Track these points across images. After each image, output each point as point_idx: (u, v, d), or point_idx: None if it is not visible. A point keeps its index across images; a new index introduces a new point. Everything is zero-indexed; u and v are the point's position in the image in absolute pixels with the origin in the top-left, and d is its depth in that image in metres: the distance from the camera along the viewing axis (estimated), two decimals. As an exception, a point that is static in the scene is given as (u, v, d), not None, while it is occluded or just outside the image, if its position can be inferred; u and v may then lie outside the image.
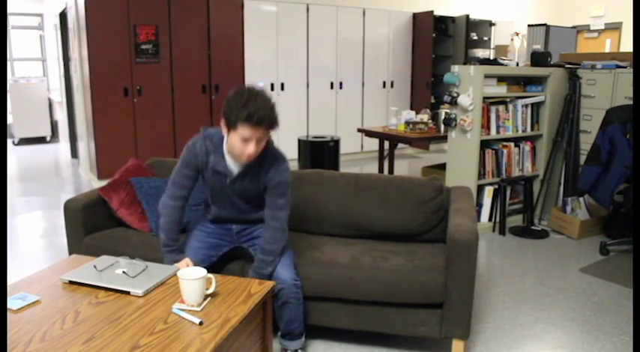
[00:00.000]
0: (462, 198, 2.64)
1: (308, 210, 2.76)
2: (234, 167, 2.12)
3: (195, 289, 1.71)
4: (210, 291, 1.78)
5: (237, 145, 1.96)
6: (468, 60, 7.53)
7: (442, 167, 5.07)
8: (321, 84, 6.90)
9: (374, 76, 7.36)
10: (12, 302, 1.73)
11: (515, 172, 4.24)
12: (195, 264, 2.17)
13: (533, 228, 4.18)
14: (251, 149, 1.95)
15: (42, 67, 9.30)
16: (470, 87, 3.86)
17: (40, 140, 8.80)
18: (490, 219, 4.20)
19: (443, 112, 4.76)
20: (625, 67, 4.10)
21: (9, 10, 8.62)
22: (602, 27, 9.01)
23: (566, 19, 9.52)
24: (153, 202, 2.72)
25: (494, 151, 4.09)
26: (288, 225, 2.86)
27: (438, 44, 7.73)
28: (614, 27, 8.85)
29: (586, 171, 3.68)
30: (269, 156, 2.13)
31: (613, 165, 3.49)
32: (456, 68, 3.96)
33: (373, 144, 7.32)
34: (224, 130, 2.02)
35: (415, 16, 7.56)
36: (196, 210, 2.76)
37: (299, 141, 4.87)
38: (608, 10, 8.94)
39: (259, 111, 1.89)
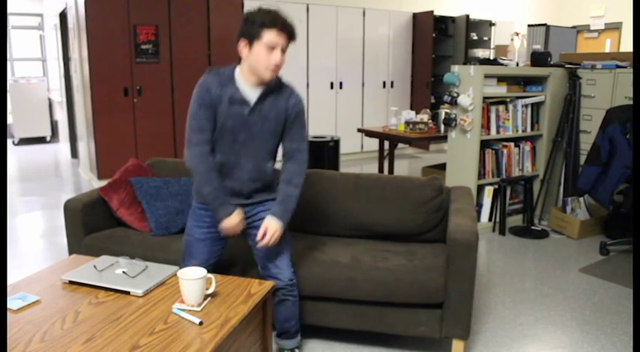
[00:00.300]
0: (462, 198, 2.64)
1: (308, 210, 2.76)
2: (251, 94, 1.97)
3: (195, 289, 1.71)
4: (210, 291, 1.78)
5: (263, 56, 1.88)
6: (468, 60, 7.53)
7: (442, 167, 5.07)
8: (321, 84, 6.90)
9: (374, 76, 7.36)
10: (12, 302, 1.73)
11: (515, 172, 4.24)
12: (207, 267, 2.12)
13: (533, 228, 4.18)
14: (277, 57, 1.88)
15: (42, 67, 9.30)
16: (470, 87, 3.86)
17: (40, 140, 8.80)
18: (490, 219, 4.20)
19: (443, 112, 4.76)
20: (625, 67, 4.10)
21: (9, 10, 8.62)
22: (602, 27, 9.01)
23: (566, 19, 9.52)
24: (153, 202, 2.73)
25: (494, 151, 4.09)
26: (290, 225, 2.87)
27: (438, 44, 7.73)
28: (614, 27, 8.85)
29: (586, 171, 3.68)
30: (284, 84, 2.04)
31: (613, 165, 3.49)
32: (456, 68, 3.96)
33: (373, 144, 7.32)
34: (244, 51, 1.91)
35: (415, 16, 7.56)
36: (196, 210, 2.76)
37: (299, 141, 4.86)
38: (608, 10, 8.94)
39: (282, 17, 1.92)
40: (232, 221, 2.02)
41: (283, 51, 1.92)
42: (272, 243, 2.05)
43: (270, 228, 2.04)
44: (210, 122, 1.96)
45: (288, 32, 1.92)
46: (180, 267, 2.02)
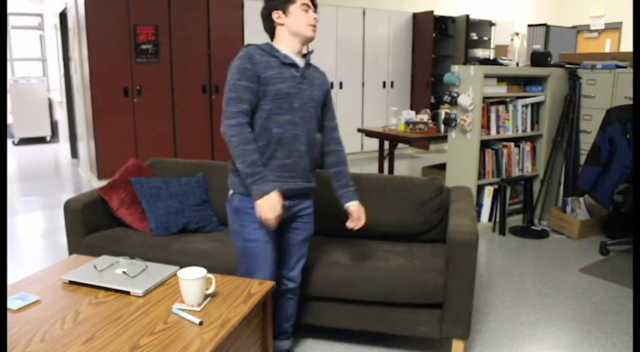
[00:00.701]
0: (462, 198, 2.64)
1: (308, 210, 2.76)
2: (297, 60, 1.95)
3: (195, 289, 1.71)
4: (210, 291, 1.78)
5: (302, 16, 1.91)
6: (468, 60, 7.52)
7: (442, 167, 5.07)
8: (321, 84, 6.89)
9: (374, 76, 7.36)
10: (12, 302, 1.73)
11: (515, 172, 4.24)
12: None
13: (533, 228, 4.18)
14: (314, 15, 1.93)
15: (42, 67, 9.31)
16: (470, 87, 3.85)
17: (40, 140, 8.80)
18: (490, 219, 4.20)
19: (443, 112, 4.76)
20: (625, 67, 4.10)
21: (9, 10, 8.62)
22: (602, 27, 9.01)
23: (566, 19, 9.52)
24: (153, 202, 2.73)
25: (494, 151, 4.09)
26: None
27: (438, 44, 7.73)
28: (614, 27, 8.85)
29: (586, 171, 3.68)
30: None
31: (613, 165, 3.49)
32: (456, 68, 3.96)
33: (373, 144, 7.31)
34: (280, 20, 1.93)
35: (415, 16, 7.56)
36: (196, 210, 2.76)
37: (299, 141, 4.87)
38: (608, 10, 8.94)
39: None
40: (272, 200, 1.84)
41: (316, 9, 1.96)
42: (362, 224, 2.09)
43: (361, 211, 2.10)
44: (250, 93, 1.85)
45: None
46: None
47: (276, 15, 1.94)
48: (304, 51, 2.00)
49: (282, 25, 1.94)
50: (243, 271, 2.02)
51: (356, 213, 2.08)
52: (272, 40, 2.00)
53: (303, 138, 1.95)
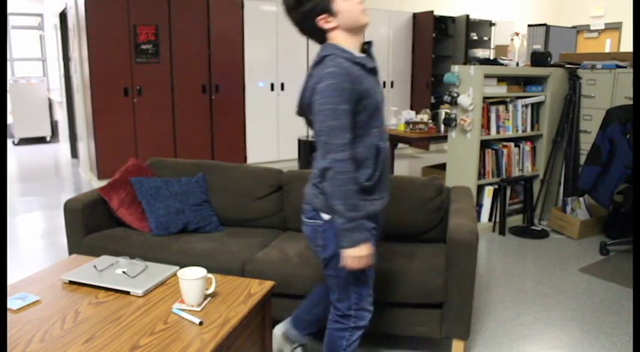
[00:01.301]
0: (462, 198, 2.64)
1: (308, 210, 2.76)
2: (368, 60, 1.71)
3: (195, 289, 1.71)
4: (210, 291, 1.78)
5: (357, 8, 1.63)
6: (468, 60, 7.52)
7: (442, 167, 5.07)
8: (321, 84, 6.89)
9: (374, 76, 7.35)
10: (12, 302, 1.73)
11: (515, 172, 4.24)
12: None
13: (533, 228, 4.18)
14: (362, 3, 1.66)
15: (42, 67, 9.31)
16: (470, 87, 3.85)
17: (40, 140, 8.80)
18: (490, 219, 4.20)
19: (443, 112, 4.76)
20: (625, 67, 4.10)
21: (9, 10, 8.62)
22: (602, 27, 9.01)
23: (566, 19, 9.52)
24: (153, 202, 2.73)
25: (494, 151, 4.09)
26: (290, 225, 2.87)
27: (438, 44, 7.73)
28: (614, 27, 8.85)
29: (586, 171, 3.68)
30: None
31: (613, 165, 3.49)
32: (456, 68, 3.96)
33: (373, 144, 7.31)
34: (330, 21, 1.64)
35: (415, 16, 7.55)
36: (196, 210, 2.76)
37: (299, 141, 4.87)
38: (608, 10, 8.94)
39: None
40: (365, 251, 1.62)
41: None
42: None
43: None
44: (350, 118, 1.60)
45: None
46: (363, 308, 1.76)
47: (323, 21, 1.65)
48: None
49: (335, 28, 1.67)
50: (354, 299, 1.78)
51: None
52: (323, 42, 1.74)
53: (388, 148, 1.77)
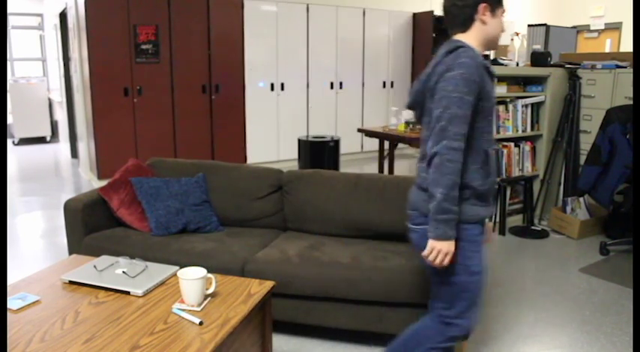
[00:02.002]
0: (462, 198, 2.63)
1: (308, 210, 2.76)
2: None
3: (195, 289, 1.71)
4: (210, 291, 1.78)
5: (502, 26, 1.67)
6: (468, 60, 7.51)
7: (442, 167, 5.06)
8: (321, 84, 6.90)
9: (374, 76, 7.36)
10: (12, 302, 1.73)
11: (515, 172, 4.24)
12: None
13: (533, 228, 4.18)
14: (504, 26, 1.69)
15: (42, 67, 9.31)
16: (470, 87, 3.85)
17: (40, 140, 8.80)
18: (490, 219, 4.20)
19: (443, 112, 4.75)
20: (625, 67, 4.10)
21: (9, 10, 8.62)
22: (602, 27, 9.01)
23: (566, 19, 9.52)
24: (153, 202, 2.73)
25: (493, 151, 4.09)
26: (290, 225, 2.88)
27: (438, 44, 7.71)
28: (614, 27, 8.85)
29: (586, 171, 3.68)
30: None
31: (613, 165, 3.49)
32: (456, 68, 3.95)
33: (373, 144, 7.31)
34: (484, 17, 1.65)
35: (415, 16, 7.56)
36: (196, 210, 2.76)
37: (299, 141, 4.87)
38: (608, 10, 8.94)
39: None
40: (451, 247, 1.59)
41: None
42: None
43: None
44: (470, 110, 1.58)
45: None
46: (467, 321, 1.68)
47: (483, 10, 1.64)
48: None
49: (484, 24, 1.65)
50: (462, 308, 1.70)
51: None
52: (455, 31, 1.75)
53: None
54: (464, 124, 1.55)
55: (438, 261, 1.60)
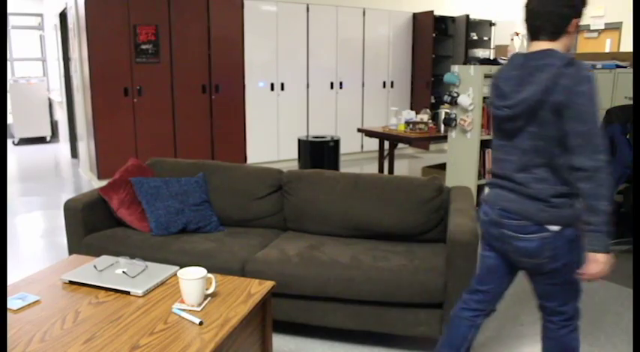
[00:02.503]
0: (462, 198, 2.64)
1: (308, 210, 2.76)
2: None
3: (195, 289, 1.71)
4: (210, 291, 1.78)
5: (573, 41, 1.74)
6: (468, 60, 7.52)
7: (442, 167, 5.07)
8: (321, 84, 6.90)
9: (374, 76, 7.36)
10: (12, 302, 1.73)
11: (516, 172, 4.24)
12: None
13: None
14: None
15: (42, 67, 9.31)
16: (470, 87, 3.85)
17: (40, 140, 8.80)
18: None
19: (443, 112, 4.76)
20: (625, 67, 4.10)
21: (9, 10, 8.62)
22: (602, 27, 9.01)
23: (566, 19, 9.50)
24: (153, 202, 2.73)
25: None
26: (290, 225, 2.88)
27: (438, 44, 7.72)
28: (614, 27, 8.85)
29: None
30: None
31: (613, 165, 3.50)
32: (456, 68, 3.96)
33: (373, 144, 7.32)
34: (573, 28, 1.71)
35: (415, 16, 7.55)
36: (196, 210, 2.76)
37: (299, 141, 4.88)
38: (608, 10, 8.94)
39: None
40: (610, 259, 1.64)
41: None
42: None
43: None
44: None
45: None
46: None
47: (574, 25, 1.71)
48: None
49: (569, 35, 1.73)
50: (575, 299, 1.83)
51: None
52: (541, 38, 1.76)
53: None
54: (603, 138, 1.61)
55: (599, 272, 1.64)
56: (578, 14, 1.70)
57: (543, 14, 1.72)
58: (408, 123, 4.88)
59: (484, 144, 4.04)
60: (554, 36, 1.72)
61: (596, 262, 1.62)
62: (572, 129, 1.62)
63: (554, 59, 1.67)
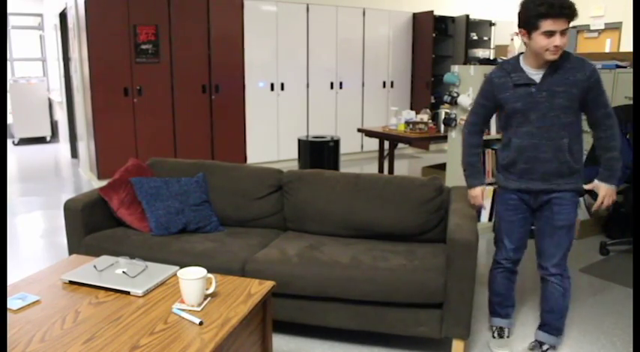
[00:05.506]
0: (462, 198, 2.64)
1: (308, 210, 2.76)
2: (536, 76, 2.13)
3: (195, 289, 1.71)
4: (210, 291, 1.78)
5: (543, 43, 2.00)
6: (468, 60, 7.52)
7: (442, 167, 5.07)
8: (321, 84, 6.90)
9: (374, 76, 7.36)
10: (12, 302, 1.73)
11: (516, 172, 4.24)
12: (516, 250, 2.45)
13: (533, 227, 4.17)
14: (556, 40, 1.98)
15: (42, 67, 9.30)
16: (470, 87, 3.85)
17: (40, 140, 8.80)
18: (490, 219, 4.19)
19: (443, 112, 4.76)
20: (625, 67, 4.10)
21: (9, 10, 8.62)
22: (602, 27, 9.01)
23: (566, 19, 9.50)
24: (153, 202, 2.73)
25: (494, 151, 4.09)
26: (290, 225, 2.87)
27: (438, 44, 7.72)
28: (614, 27, 8.85)
29: (586, 171, 3.67)
30: (571, 58, 2.12)
31: (613, 165, 3.49)
32: (456, 68, 3.96)
33: (373, 144, 7.31)
34: (525, 38, 2.07)
35: (415, 16, 7.55)
36: (196, 210, 2.76)
37: (299, 141, 4.87)
38: (608, 10, 8.94)
39: (557, 3, 1.94)
40: (474, 193, 2.43)
41: (563, 34, 1.99)
42: (605, 206, 2.35)
43: (602, 190, 2.34)
44: (485, 109, 2.31)
45: (566, 16, 1.97)
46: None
47: (522, 32, 2.07)
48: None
49: (526, 43, 2.10)
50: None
51: (600, 193, 2.34)
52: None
53: (542, 146, 2.16)
54: (471, 116, 2.42)
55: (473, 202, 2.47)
56: (521, 24, 2.05)
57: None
58: (408, 123, 4.88)
59: (484, 144, 4.03)
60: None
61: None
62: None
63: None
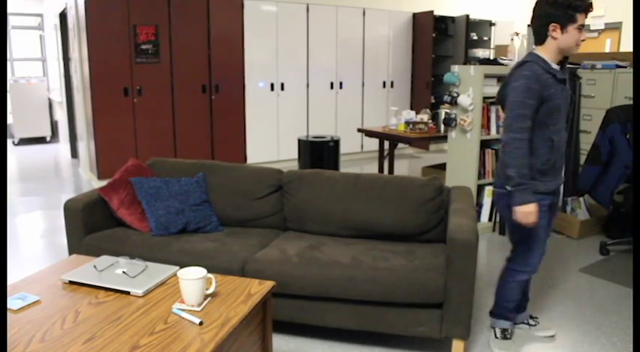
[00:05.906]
0: (462, 198, 2.64)
1: (308, 210, 2.76)
2: (560, 72, 2.18)
3: (195, 289, 1.71)
4: (210, 291, 1.78)
5: (577, 36, 2.06)
6: (468, 60, 7.52)
7: (442, 167, 5.07)
8: (321, 84, 6.90)
9: (374, 76, 7.36)
10: (12, 302, 1.73)
11: (516, 172, 4.24)
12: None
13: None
14: (584, 34, 2.08)
15: (42, 67, 9.30)
16: (470, 87, 3.85)
17: (40, 140, 8.80)
18: (490, 219, 4.20)
19: (443, 112, 4.76)
20: (625, 67, 4.10)
21: (9, 10, 8.62)
22: (602, 27, 9.01)
23: (566, 19, 9.50)
24: (153, 202, 2.73)
25: (494, 151, 4.09)
26: (290, 225, 2.88)
27: (438, 44, 7.72)
28: (614, 27, 8.85)
29: (586, 171, 3.67)
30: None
31: (613, 165, 3.49)
32: (456, 68, 3.96)
33: (373, 144, 7.31)
34: (554, 34, 2.08)
35: (415, 16, 7.55)
36: (196, 210, 2.76)
37: (299, 141, 4.87)
38: (608, 10, 8.94)
39: None
40: (528, 210, 2.12)
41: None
42: None
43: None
44: (533, 111, 2.11)
45: (590, 11, 2.07)
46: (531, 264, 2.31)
47: (553, 28, 2.08)
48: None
49: (554, 39, 2.10)
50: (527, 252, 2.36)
51: None
52: (536, 44, 2.18)
53: (565, 141, 2.26)
54: (521, 120, 2.12)
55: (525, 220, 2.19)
56: (557, 19, 2.05)
57: (532, 22, 2.16)
58: (408, 123, 4.88)
59: (484, 144, 4.04)
60: (539, 41, 2.16)
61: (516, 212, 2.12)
62: (505, 114, 2.17)
63: (518, 62, 2.16)
